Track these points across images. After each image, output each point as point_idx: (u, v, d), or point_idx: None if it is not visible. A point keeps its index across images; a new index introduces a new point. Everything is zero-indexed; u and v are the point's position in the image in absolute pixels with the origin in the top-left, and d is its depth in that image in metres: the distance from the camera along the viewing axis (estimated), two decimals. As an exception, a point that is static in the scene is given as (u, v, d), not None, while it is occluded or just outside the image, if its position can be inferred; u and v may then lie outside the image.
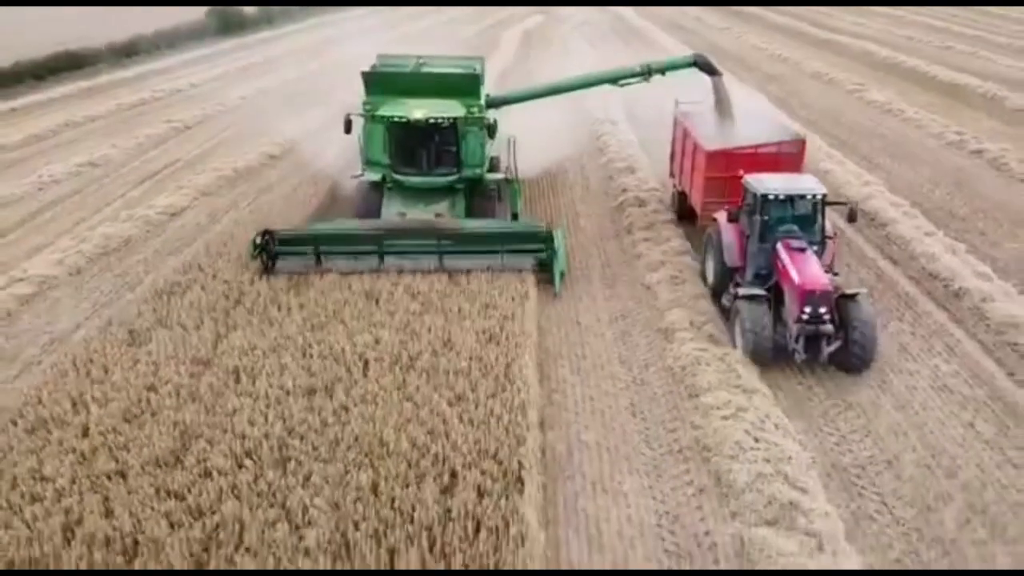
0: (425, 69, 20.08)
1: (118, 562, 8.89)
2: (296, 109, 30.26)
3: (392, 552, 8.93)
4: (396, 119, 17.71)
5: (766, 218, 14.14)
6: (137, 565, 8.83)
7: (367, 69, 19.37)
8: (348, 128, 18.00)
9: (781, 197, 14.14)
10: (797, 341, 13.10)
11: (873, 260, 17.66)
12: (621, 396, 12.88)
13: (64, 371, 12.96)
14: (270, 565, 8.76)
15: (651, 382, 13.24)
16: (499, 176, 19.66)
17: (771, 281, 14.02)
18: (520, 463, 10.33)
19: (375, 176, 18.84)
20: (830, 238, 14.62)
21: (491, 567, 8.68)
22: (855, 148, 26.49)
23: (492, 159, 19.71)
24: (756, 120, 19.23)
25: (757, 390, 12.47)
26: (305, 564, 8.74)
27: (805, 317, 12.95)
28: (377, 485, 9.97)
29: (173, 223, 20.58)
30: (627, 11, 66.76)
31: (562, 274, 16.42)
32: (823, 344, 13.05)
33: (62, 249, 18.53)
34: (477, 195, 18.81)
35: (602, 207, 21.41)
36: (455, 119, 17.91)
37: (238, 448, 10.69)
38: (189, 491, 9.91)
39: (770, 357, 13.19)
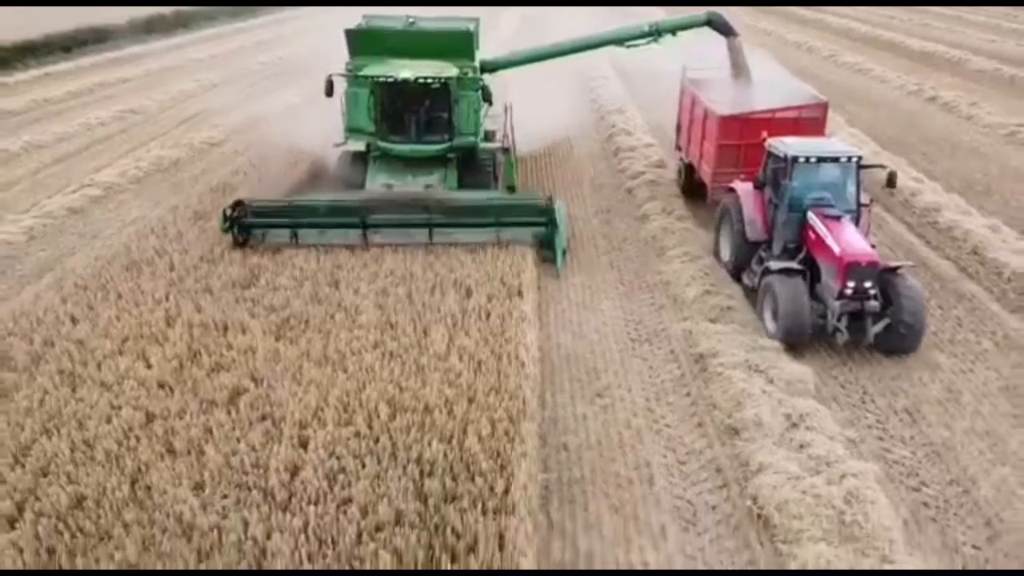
0: (415, 27, 18.03)
1: (213, 335, 11.66)
2: (312, 72, 32.91)
3: (425, 329, 11.73)
4: (382, 80, 16.31)
5: (796, 184, 12.83)
6: (230, 338, 11.58)
7: (351, 28, 17.83)
8: (330, 90, 16.45)
9: (813, 160, 12.78)
10: (840, 320, 11.79)
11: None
12: (603, 257, 15.71)
13: (144, 235, 15.86)
14: (332, 337, 11.52)
15: (627, 249, 16.07)
16: (495, 145, 18.48)
17: (800, 255, 12.74)
18: (520, 282, 13.17)
19: (359, 145, 17.50)
20: (865, 206, 13.19)
21: (499, 334, 11.45)
22: (823, 98, 29.23)
23: (487, 133, 18.62)
24: (771, 84, 17.82)
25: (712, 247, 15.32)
26: (359, 334, 11.53)
27: (849, 292, 11.68)
28: (411, 294, 12.84)
29: (214, 150, 23.37)
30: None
31: (564, 251, 15.09)
32: (868, 323, 11.79)
33: (121, 166, 21.32)
34: (470, 166, 17.41)
35: (593, 138, 24.21)
36: (447, 80, 16.46)
37: (298, 275, 13.57)
38: (263, 298, 12.74)
39: (807, 340, 11.90)
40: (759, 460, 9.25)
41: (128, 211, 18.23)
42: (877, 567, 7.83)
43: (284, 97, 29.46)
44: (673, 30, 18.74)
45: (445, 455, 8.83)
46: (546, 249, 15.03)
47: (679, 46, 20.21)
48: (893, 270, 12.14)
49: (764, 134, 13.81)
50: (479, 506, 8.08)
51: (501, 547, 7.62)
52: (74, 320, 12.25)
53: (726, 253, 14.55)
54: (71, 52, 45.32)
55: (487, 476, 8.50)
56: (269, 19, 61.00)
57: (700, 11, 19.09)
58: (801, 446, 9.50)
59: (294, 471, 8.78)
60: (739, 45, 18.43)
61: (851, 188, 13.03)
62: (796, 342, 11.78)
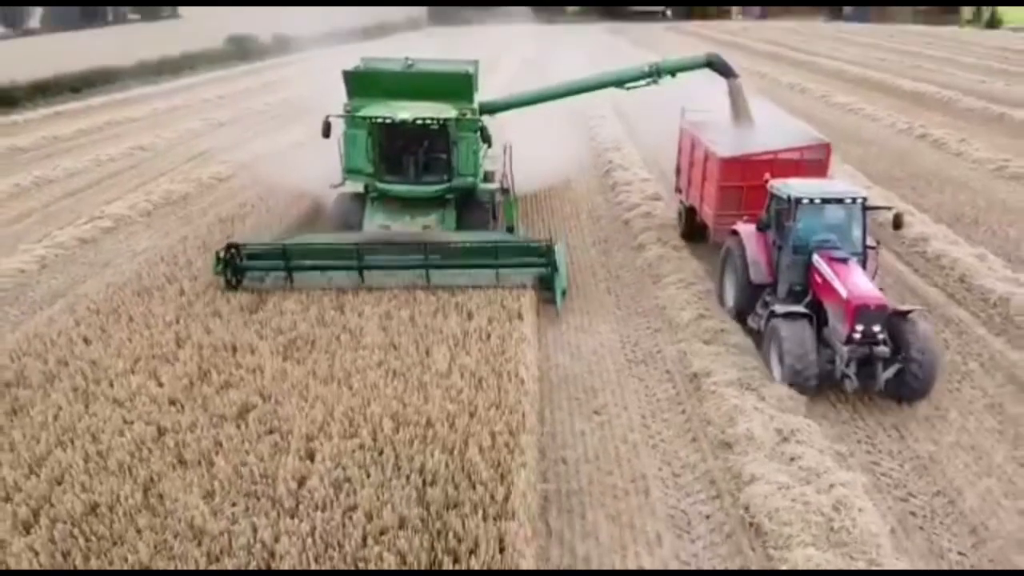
0: (414, 69, 18.03)
1: (222, 355, 12.03)
2: (315, 113, 33.70)
3: (427, 349, 12.10)
4: (380, 121, 16.23)
5: (800, 226, 12.63)
6: (239, 358, 11.95)
7: (349, 69, 17.81)
8: (327, 131, 16.32)
9: (817, 201, 12.57)
10: (848, 366, 11.44)
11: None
12: (600, 284, 16.15)
13: (155, 263, 16.30)
14: (337, 357, 11.89)
15: (624, 276, 16.52)
16: (494, 186, 18.41)
17: (806, 299, 12.51)
18: (520, 306, 13.59)
19: (357, 186, 17.44)
20: (872, 248, 12.98)
21: (499, 353, 11.81)
22: (816, 135, 29.96)
23: (487, 173, 18.52)
24: (772, 125, 17.77)
25: (707, 275, 15.74)
26: (363, 354, 11.91)
27: (857, 337, 11.35)
28: (413, 317, 13.26)
29: (222, 185, 23.99)
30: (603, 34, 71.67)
31: (563, 292, 15.00)
32: (878, 369, 11.44)
33: (131, 200, 21.89)
34: (469, 207, 17.33)
35: (591, 174, 24.82)
36: (446, 121, 16.38)
37: (304, 299, 14.00)
38: (270, 320, 13.14)
39: (815, 385, 11.48)
40: (751, 472, 9.55)
41: (138, 241, 18.73)
42: (865, 570, 8.09)
43: (289, 136, 30.19)
44: (673, 71, 18.70)
45: (447, 465, 9.14)
46: (546, 289, 14.96)
47: (677, 86, 20.06)
48: (903, 314, 11.79)
49: (767, 175, 13.70)
50: (480, 512, 8.37)
51: (501, 550, 7.91)
52: (87, 341, 12.65)
53: (730, 297, 14.14)
54: (80, 92, 46.50)
55: (487, 484, 8.81)
56: (274, 61, 62.40)
57: (699, 53, 19.48)
58: (792, 459, 9.80)
59: (301, 480, 9.08)
60: (739, 86, 18.34)
61: (857, 231, 12.79)
62: (803, 387, 11.38)
